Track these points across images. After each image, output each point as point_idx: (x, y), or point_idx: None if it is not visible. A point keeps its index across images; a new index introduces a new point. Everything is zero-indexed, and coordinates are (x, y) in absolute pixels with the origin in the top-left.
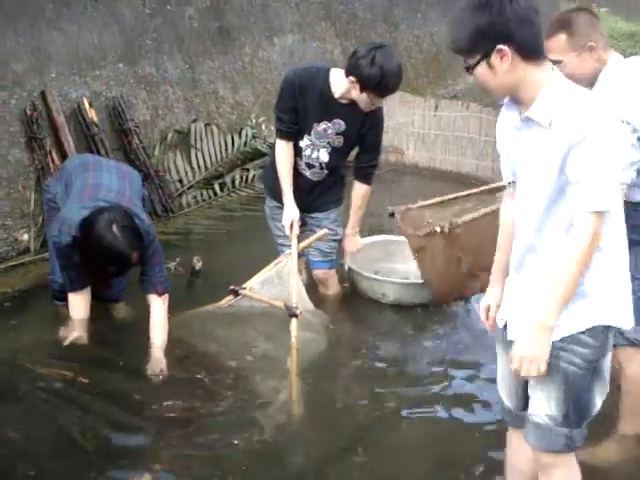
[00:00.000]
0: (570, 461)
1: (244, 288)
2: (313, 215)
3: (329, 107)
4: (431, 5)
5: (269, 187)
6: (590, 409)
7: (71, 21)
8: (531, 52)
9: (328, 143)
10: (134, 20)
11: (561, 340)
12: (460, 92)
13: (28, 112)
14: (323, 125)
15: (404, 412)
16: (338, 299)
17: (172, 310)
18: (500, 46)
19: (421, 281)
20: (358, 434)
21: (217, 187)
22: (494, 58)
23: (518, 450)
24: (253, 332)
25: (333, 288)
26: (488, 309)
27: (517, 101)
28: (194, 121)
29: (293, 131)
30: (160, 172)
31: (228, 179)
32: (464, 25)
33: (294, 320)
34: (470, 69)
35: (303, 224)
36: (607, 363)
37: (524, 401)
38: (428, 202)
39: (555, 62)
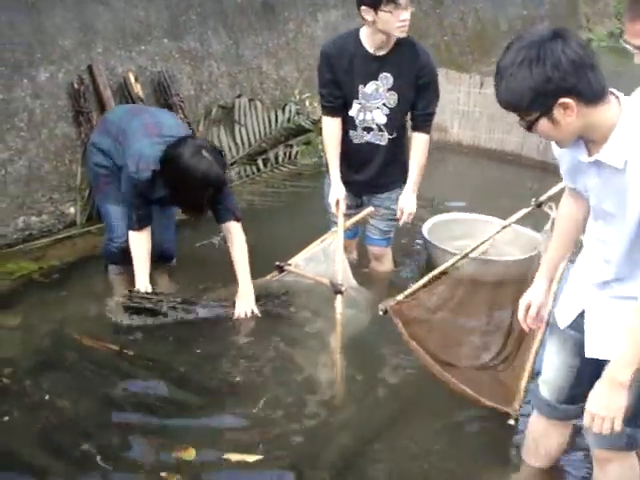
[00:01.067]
0: (629, 458)
1: (289, 264)
2: (376, 195)
3: (370, 65)
4: None
5: None
6: None
7: None
8: (596, 96)
9: (384, 104)
10: None
11: None
12: None
13: (75, 86)
14: (372, 85)
15: (447, 394)
16: (390, 276)
17: (216, 284)
18: (562, 99)
19: (495, 257)
20: (400, 414)
21: (260, 163)
22: (557, 112)
23: (547, 437)
24: (298, 307)
25: (387, 265)
26: (529, 306)
27: (584, 138)
28: (238, 97)
29: (335, 105)
30: None
31: (271, 155)
32: (516, 82)
33: (339, 297)
34: (529, 127)
35: (361, 204)
36: None
37: (570, 397)
38: (417, 285)
39: None
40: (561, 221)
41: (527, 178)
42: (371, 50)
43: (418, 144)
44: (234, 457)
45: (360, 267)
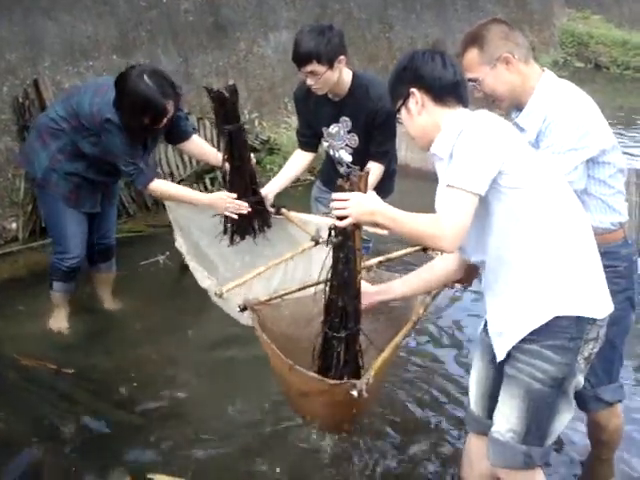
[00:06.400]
0: (533, 477)
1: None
2: None
3: (330, 109)
4: (426, 6)
5: (321, 171)
6: (553, 429)
7: (66, 11)
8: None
9: (347, 145)
10: (129, 12)
11: (523, 352)
12: None
13: (20, 100)
14: (335, 127)
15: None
16: None
17: (161, 303)
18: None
19: None
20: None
21: (208, 181)
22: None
23: (477, 455)
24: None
25: None
26: None
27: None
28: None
29: (304, 141)
30: None
31: (219, 174)
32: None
33: (312, 244)
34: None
35: None
36: (574, 384)
37: (488, 410)
38: (286, 291)
39: (473, 80)
40: None
41: None
42: (330, 95)
43: (370, 170)
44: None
45: None
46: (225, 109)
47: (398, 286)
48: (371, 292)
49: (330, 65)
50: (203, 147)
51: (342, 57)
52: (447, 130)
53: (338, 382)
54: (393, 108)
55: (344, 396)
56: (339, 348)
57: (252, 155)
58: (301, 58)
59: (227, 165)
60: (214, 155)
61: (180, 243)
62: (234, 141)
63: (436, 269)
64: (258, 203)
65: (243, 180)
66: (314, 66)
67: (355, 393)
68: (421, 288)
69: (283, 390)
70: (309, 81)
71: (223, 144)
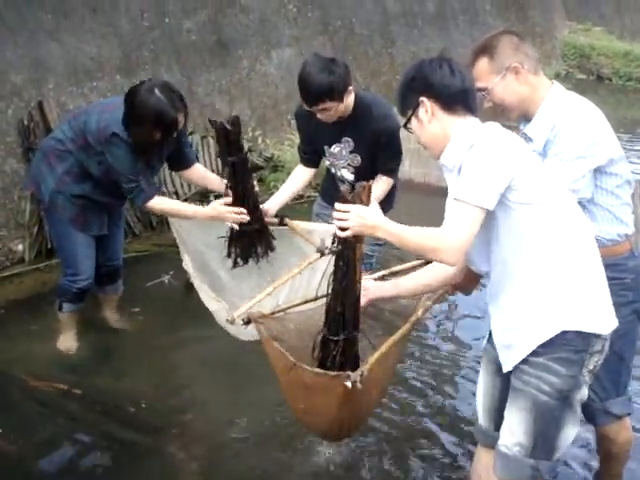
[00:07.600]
0: None
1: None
2: None
3: (332, 129)
4: (428, 21)
5: (322, 187)
6: (560, 442)
7: (69, 32)
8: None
9: (348, 164)
10: (132, 32)
11: (529, 365)
12: None
13: (25, 122)
14: (336, 147)
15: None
16: None
17: (167, 322)
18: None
19: None
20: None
21: (213, 199)
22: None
23: (486, 468)
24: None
25: None
26: None
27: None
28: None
29: (306, 157)
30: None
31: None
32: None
33: (318, 255)
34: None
35: None
36: (580, 397)
37: (496, 422)
38: (289, 304)
39: (482, 90)
40: None
41: None
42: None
43: (378, 181)
44: None
45: None
46: (228, 141)
47: (399, 284)
48: (372, 287)
49: (341, 99)
50: (204, 173)
51: (350, 87)
52: (456, 141)
53: (334, 374)
54: (403, 118)
55: (340, 389)
56: (335, 351)
57: (255, 182)
58: (313, 99)
59: (230, 193)
60: (216, 181)
61: (187, 261)
62: (237, 171)
63: (435, 271)
64: (261, 229)
65: (246, 208)
66: (326, 104)
67: (349, 384)
68: (420, 289)
69: (289, 402)
70: (319, 115)
71: (227, 175)
